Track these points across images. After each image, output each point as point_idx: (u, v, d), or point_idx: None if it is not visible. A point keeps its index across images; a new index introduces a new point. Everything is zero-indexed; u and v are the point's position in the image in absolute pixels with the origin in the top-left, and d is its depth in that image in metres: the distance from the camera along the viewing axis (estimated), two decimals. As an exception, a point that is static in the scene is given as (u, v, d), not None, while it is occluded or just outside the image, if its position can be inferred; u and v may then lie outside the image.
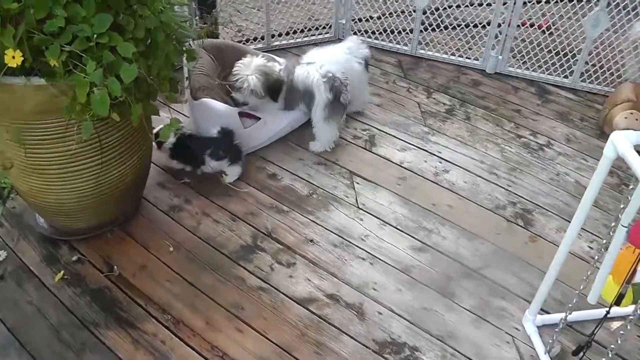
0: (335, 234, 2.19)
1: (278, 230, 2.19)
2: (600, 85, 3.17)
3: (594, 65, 3.11)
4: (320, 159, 2.54)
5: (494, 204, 2.39)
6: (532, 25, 3.49)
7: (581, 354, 1.70)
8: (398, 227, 2.24)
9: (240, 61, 2.47)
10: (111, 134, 1.84)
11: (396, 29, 3.40)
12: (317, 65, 2.52)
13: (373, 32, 3.42)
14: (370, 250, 2.14)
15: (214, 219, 2.23)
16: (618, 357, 1.86)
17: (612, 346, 1.53)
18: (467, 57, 3.30)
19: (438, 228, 2.25)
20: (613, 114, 2.82)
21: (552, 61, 3.18)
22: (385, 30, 3.39)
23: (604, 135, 2.87)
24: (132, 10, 1.66)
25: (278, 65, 2.53)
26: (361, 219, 2.25)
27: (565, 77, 3.19)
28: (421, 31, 3.28)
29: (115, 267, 2.03)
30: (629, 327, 1.51)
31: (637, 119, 2.76)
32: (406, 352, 1.82)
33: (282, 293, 1.97)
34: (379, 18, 3.47)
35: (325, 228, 2.21)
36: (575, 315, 1.92)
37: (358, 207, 2.31)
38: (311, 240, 2.15)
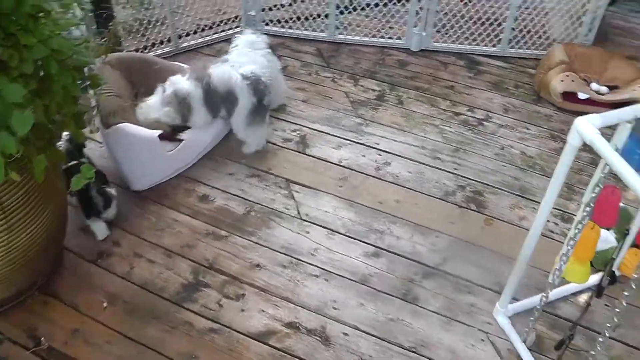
0: (282, 253, 2.10)
1: (219, 260, 2.07)
2: (530, 50, 3.24)
3: (520, 30, 3.17)
4: (252, 170, 2.43)
5: (443, 191, 2.38)
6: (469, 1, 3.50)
7: (563, 347, 1.71)
8: (347, 234, 2.18)
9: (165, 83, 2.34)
10: (13, 194, 1.64)
11: (311, 15, 3.32)
12: (236, 65, 2.40)
13: (286, 21, 3.32)
14: (322, 265, 2.06)
15: (148, 259, 2.09)
16: (588, 330, 1.89)
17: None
18: (389, 37, 3.28)
19: (390, 228, 2.21)
20: (549, 78, 2.87)
21: (479, 31, 3.21)
22: (299, 18, 3.30)
23: (541, 100, 2.93)
24: (13, 40, 1.44)
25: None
26: (307, 232, 2.17)
27: (494, 45, 3.23)
28: (337, 15, 3.23)
29: (42, 339, 1.84)
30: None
31: (573, 80, 2.82)
32: (380, 371, 1.78)
33: (236, 331, 1.86)
34: (290, 5, 3.38)
35: (270, 248, 2.11)
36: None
37: (301, 219, 2.23)
38: (257, 265, 2.05)
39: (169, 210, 2.25)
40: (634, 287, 1.39)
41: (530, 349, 1.83)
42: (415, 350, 1.83)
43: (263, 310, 1.91)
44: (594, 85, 2.97)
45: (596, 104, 2.78)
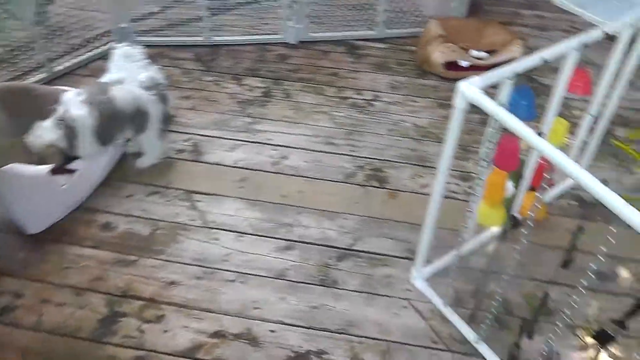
0: (194, 265, 2.07)
1: (133, 286, 2.01)
2: (406, 29, 3.38)
3: (394, 11, 3.30)
4: (150, 188, 2.37)
5: (343, 174, 2.44)
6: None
7: (474, 284, 1.82)
8: (256, 233, 2.19)
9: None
10: None
11: (184, 21, 3.28)
12: (133, 81, 2.30)
13: (160, 29, 3.26)
14: (236, 269, 2.06)
15: (56, 302, 1.97)
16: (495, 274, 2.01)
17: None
18: (265, 34, 3.30)
19: (297, 219, 2.24)
20: (429, 52, 3.02)
21: (354, 17, 3.31)
22: (172, 25, 3.25)
23: (425, 74, 3.08)
24: None
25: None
26: (216, 239, 2.16)
27: (370, 29, 3.34)
28: (210, 17, 3.20)
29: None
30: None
31: (453, 50, 2.98)
32: (314, 359, 1.80)
33: (163, 353, 1.82)
34: (161, 12, 3.31)
35: (182, 263, 2.08)
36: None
37: (208, 228, 2.21)
38: (172, 283, 2.01)
39: (70, 247, 2.14)
40: (531, 225, 1.50)
41: (451, 305, 1.94)
42: (343, 331, 1.87)
43: (186, 326, 1.88)
44: (474, 52, 3.16)
45: (478, 69, 2.93)
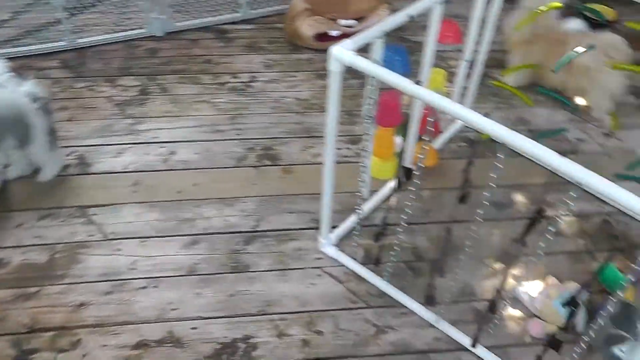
0: (102, 281, 1.97)
1: (39, 318, 1.86)
2: (271, 7, 3.37)
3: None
4: (41, 212, 2.21)
5: (235, 159, 2.41)
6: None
7: (381, 238, 1.89)
8: (159, 234, 2.11)
9: None
10: None
11: (42, 26, 3.06)
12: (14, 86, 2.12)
13: (18, 38, 3.02)
14: (146, 275, 1.98)
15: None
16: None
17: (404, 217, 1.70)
18: (131, 29, 3.15)
19: (197, 212, 2.19)
20: (298, 27, 3.02)
21: (217, 1, 3.24)
22: (30, 31, 3.02)
23: (297, 48, 3.08)
24: None
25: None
26: (119, 250, 2.07)
27: (235, 11, 3.28)
28: (69, 18, 3.01)
29: None
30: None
31: (322, 22, 3.00)
32: (241, 346, 1.78)
33: (84, 378, 1.74)
34: (14, 18, 3.08)
35: (88, 282, 1.97)
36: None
37: (109, 240, 2.10)
38: (81, 305, 1.91)
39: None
40: (422, 172, 1.57)
41: (363, 264, 1.99)
42: (264, 312, 1.87)
43: (105, 345, 1.80)
44: (342, 22, 3.19)
45: (349, 37, 2.99)
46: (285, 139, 2.51)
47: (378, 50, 1.67)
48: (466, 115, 1.37)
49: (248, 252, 2.06)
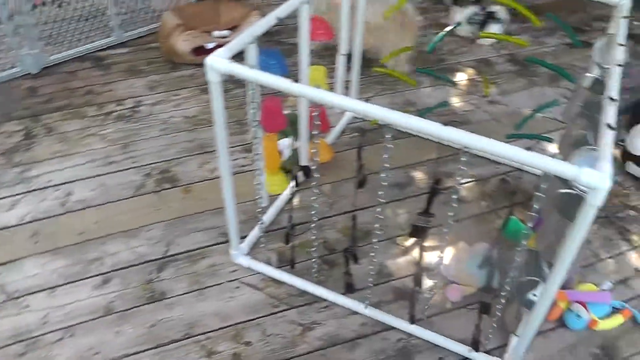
0: (13, 344, 1.84)
1: None
2: (144, 27, 3.27)
3: (126, 12, 3.17)
4: None
5: (134, 188, 2.34)
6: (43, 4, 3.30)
7: (290, 240, 1.92)
8: (67, 281, 2.01)
9: None
10: None
11: None
12: None
13: None
14: (60, 326, 1.88)
15: None
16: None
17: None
18: (3, 70, 2.95)
19: (104, 249, 2.11)
20: (174, 44, 2.96)
21: (89, 28, 3.12)
22: None
23: (177, 66, 3.03)
24: None
25: None
26: (26, 306, 1.95)
27: (109, 36, 3.17)
28: None
29: None
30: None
31: (196, 36, 2.96)
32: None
33: None
34: None
35: (-1, 346, 1.89)
36: (266, 219, 2.13)
37: (14, 299, 1.98)
38: (-7, 372, 1.83)
39: None
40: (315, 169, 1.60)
41: (278, 267, 2.01)
42: (189, 335, 1.83)
43: (28, 407, 1.74)
44: (217, 33, 3.16)
45: (224, 47, 2.99)
46: (180, 159, 2.47)
47: (252, 55, 1.66)
48: (346, 103, 1.39)
49: (162, 279, 2.02)
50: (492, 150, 1.22)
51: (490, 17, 3.37)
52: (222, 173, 1.77)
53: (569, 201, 1.42)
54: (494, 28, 3.37)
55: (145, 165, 2.44)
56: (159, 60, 3.07)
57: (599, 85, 1.87)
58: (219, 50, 1.49)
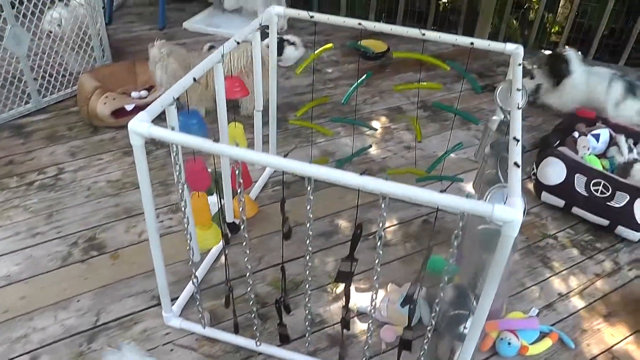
0: None
1: None
2: (63, 91, 3.26)
3: (43, 77, 3.14)
4: None
5: (60, 258, 2.28)
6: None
7: (230, 302, 1.92)
8: (-6, 362, 1.96)
9: None
10: None
11: None
12: None
13: None
14: None
15: None
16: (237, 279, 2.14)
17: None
18: None
19: (30, 326, 2.03)
20: (92, 107, 2.95)
21: (3, 96, 3.05)
22: None
23: (98, 129, 3.02)
24: None
25: None
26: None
27: (27, 103, 3.12)
28: None
29: None
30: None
31: (114, 99, 2.96)
32: None
33: None
34: None
35: None
36: (199, 275, 2.12)
37: None
38: None
39: None
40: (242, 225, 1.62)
41: (211, 325, 2.01)
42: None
43: None
44: (135, 94, 3.18)
45: (145, 107, 2.98)
46: (106, 224, 2.44)
47: (173, 116, 1.70)
48: (265, 159, 1.47)
49: (94, 350, 1.96)
50: (408, 195, 1.30)
51: (284, 42, 3.88)
52: (150, 236, 1.78)
53: (488, 236, 1.53)
54: (290, 50, 3.90)
55: (71, 234, 2.39)
56: (80, 125, 3.05)
57: (504, 126, 2.04)
58: (140, 114, 1.53)
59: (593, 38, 4.44)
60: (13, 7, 2.90)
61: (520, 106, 1.63)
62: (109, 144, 2.92)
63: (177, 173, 1.64)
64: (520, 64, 1.90)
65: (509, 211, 1.21)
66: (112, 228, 2.42)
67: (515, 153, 1.42)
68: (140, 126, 1.49)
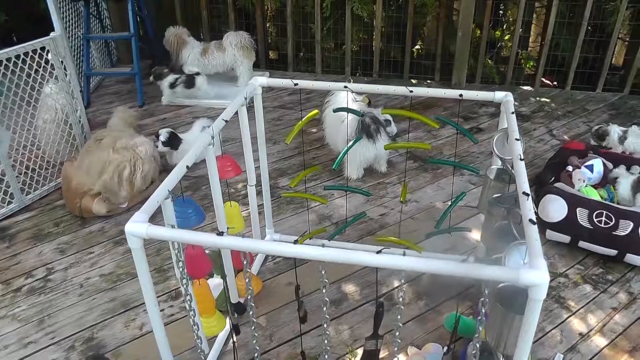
0: None
1: None
2: (46, 185, 3.21)
3: (25, 174, 3.09)
4: None
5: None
6: None
7: None
8: None
9: None
10: None
11: None
12: None
13: None
14: None
15: None
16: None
17: None
18: None
19: None
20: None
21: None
22: None
23: (86, 220, 2.94)
24: None
25: None
26: None
27: (9, 203, 3.03)
28: None
29: None
30: None
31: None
32: None
33: None
34: None
35: None
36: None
37: None
38: None
39: None
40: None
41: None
42: None
43: None
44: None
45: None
46: (104, 322, 2.31)
47: (169, 210, 1.62)
48: (279, 249, 1.39)
49: None
50: (433, 269, 1.23)
51: (194, 76, 4.29)
52: (154, 326, 1.66)
53: (509, 293, 1.45)
54: (200, 80, 4.31)
55: (66, 337, 2.27)
56: (67, 218, 2.96)
57: (503, 174, 2.00)
58: (136, 215, 1.44)
59: (568, 69, 4.51)
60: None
61: (522, 157, 1.58)
62: (99, 236, 2.83)
63: (181, 269, 1.55)
64: (513, 112, 1.86)
65: (535, 274, 1.15)
66: (110, 325, 2.30)
67: (528, 209, 1.35)
68: (137, 228, 1.40)
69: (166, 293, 2.43)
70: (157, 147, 3.24)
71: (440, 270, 1.20)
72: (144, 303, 2.36)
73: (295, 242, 1.32)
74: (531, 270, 1.15)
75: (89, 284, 2.52)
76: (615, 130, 3.37)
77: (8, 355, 2.21)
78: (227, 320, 2.15)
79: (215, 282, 2.28)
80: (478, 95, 2.06)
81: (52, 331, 2.30)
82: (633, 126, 3.31)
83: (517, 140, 1.68)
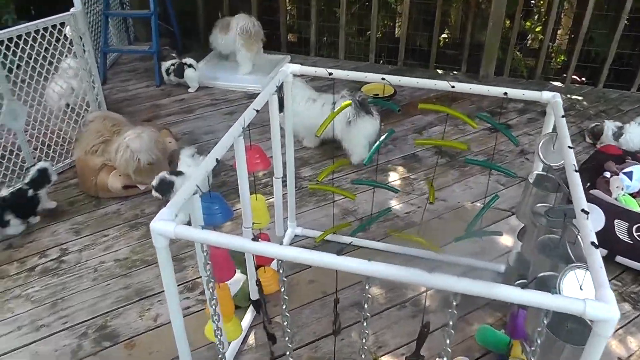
0: None
1: None
2: (61, 162, 3.16)
3: (41, 150, 3.06)
4: None
5: (70, 353, 2.07)
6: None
7: None
8: None
9: None
10: None
11: None
12: None
13: None
14: None
15: None
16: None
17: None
18: None
19: None
20: (102, 180, 2.83)
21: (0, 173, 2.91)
22: None
23: (101, 202, 2.91)
24: None
25: None
26: None
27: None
28: None
29: None
30: None
31: (127, 175, 2.82)
32: None
33: None
34: None
35: None
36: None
37: None
38: None
39: None
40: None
41: None
42: None
43: None
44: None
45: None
46: (118, 309, 2.25)
47: (197, 207, 1.52)
48: (319, 259, 1.25)
49: None
50: (486, 294, 1.12)
51: (183, 65, 4.19)
52: (172, 318, 1.54)
53: (557, 318, 1.36)
54: (189, 72, 4.18)
55: (79, 323, 2.21)
56: (81, 198, 2.90)
57: (546, 181, 1.88)
58: (162, 211, 1.34)
59: (601, 65, 4.36)
60: (9, 82, 2.78)
61: (577, 168, 1.48)
62: (114, 218, 2.76)
63: (208, 273, 1.45)
64: (563, 116, 1.75)
65: (603, 308, 1.04)
66: (124, 313, 2.24)
67: (589, 229, 1.25)
68: (164, 226, 1.28)
69: (182, 284, 2.35)
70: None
71: (500, 295, 1.11)
72: (159, 293, 2.32)
73: (338, 252, 1.20)
74: (599, 303, 1.05)
75: (103, 268, 2.46)
76: (609, 126, 3.28)
77: (21, 337, 2.17)
78: (246, 322, 2.09)
79: (238, 277, 2.20)
80: (524, 95, 1.94)
81: (65, 315, 2.24)
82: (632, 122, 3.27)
83: (570, 148, 1.57)
